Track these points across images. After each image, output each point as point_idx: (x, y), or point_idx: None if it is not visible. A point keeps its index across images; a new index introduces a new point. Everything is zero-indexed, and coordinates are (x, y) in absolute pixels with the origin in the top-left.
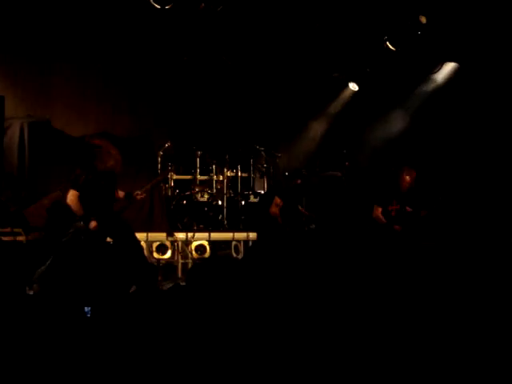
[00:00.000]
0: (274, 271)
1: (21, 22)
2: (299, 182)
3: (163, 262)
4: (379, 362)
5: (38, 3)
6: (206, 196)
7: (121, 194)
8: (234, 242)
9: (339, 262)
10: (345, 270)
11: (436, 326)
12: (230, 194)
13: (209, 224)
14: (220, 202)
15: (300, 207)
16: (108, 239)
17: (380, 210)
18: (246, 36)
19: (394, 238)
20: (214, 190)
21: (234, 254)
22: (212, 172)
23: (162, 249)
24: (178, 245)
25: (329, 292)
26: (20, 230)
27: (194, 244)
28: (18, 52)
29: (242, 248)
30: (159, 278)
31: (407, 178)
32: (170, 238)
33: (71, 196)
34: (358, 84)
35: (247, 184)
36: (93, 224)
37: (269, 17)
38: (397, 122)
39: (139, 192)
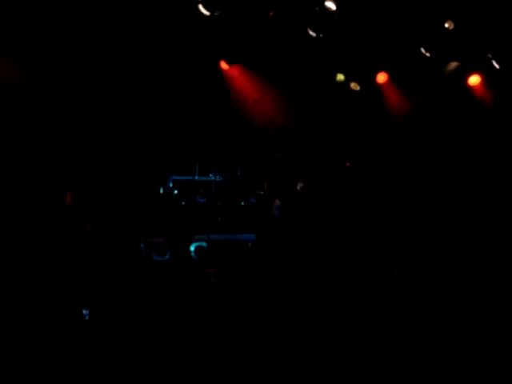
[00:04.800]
0: (274, 271)
1: (25, 24)
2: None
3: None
4: (378, 361)
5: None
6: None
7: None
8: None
9: (337, 262)
10: (343, 269)
11: (435, 326)
12: (229, 195)
13: (208, 225)
14: (219, 203)
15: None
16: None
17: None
18: (246, 38)
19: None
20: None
21: None
22: (211, 173)
23: (161, 250)
24: (177, 246)
25: (328, 292)
26: None
27: (194, 245)
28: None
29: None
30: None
31: None
32: (169, 240)
33: (69, 198)
34: (359, 84)
35: (247, 185)
36: (88, 228)
37: (269, 18)
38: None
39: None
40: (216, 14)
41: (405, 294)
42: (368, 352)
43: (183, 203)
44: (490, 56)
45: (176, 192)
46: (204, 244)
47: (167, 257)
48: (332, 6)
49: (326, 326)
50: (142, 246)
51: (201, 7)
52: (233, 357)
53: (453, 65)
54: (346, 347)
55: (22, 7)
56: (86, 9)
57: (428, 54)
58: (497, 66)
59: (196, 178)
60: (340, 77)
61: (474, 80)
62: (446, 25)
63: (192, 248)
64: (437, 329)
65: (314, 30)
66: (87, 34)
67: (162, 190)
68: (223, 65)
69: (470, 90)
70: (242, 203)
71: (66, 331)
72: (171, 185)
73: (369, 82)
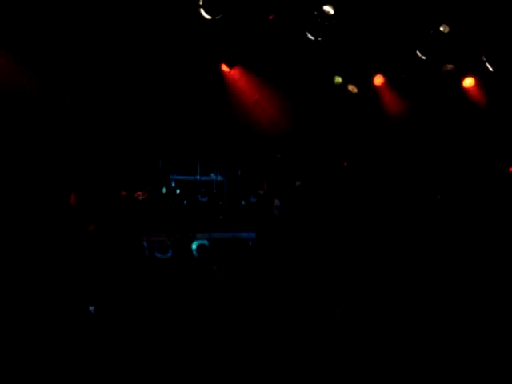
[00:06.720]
0: (273, 270)
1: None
2: (298, 183)
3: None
4: (377, 361)
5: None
6: None
7: (122, 193)
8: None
9: (337, 260)
10: (342, 267)
11: (435, 324)
12: (230, 194)
13: (210, 224)
14: (220, 203)
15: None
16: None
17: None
18: (246, 41)
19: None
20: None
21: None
22: (213, 173)
23: (163, 248)
24: (179, 244)
25: (327, 290)
26: None
27: (195, 244)
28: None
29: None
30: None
31: None
32: (171, 238)
33: (73, 198)
34: (357, 87)
35: (247, 185)
36: (91, 227)
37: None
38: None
39: (140, 193)
40: (217, 17)
41: (403, 290)
42: (367, 349)
43: (185, 202)
44: (484, 59)
45: (178, 191)
46: (206, 242)
47: (169, 254)
48: (330, 10)
49: (325, 322)
50: (144, 244)
51: (202, 11)
52: (234, 353)
53: (449, 66)
54: (346, 343)
55: (26, 9)
56: (91, 11)
57: (424, 57)
58: (491, 68)
59: (198, 177)
60: (338, 79)
61: (469, 82)
62: (441, 28)
63: (194, 246)
64: (436, 326)
65: (312, 34)
66: (91, 37)
67: (164, 190)
68: (224, 67)
69: (464, 92)
70: (243, 202)
71: (72, 327)
72: (173, 184)
73: (366, 84)
